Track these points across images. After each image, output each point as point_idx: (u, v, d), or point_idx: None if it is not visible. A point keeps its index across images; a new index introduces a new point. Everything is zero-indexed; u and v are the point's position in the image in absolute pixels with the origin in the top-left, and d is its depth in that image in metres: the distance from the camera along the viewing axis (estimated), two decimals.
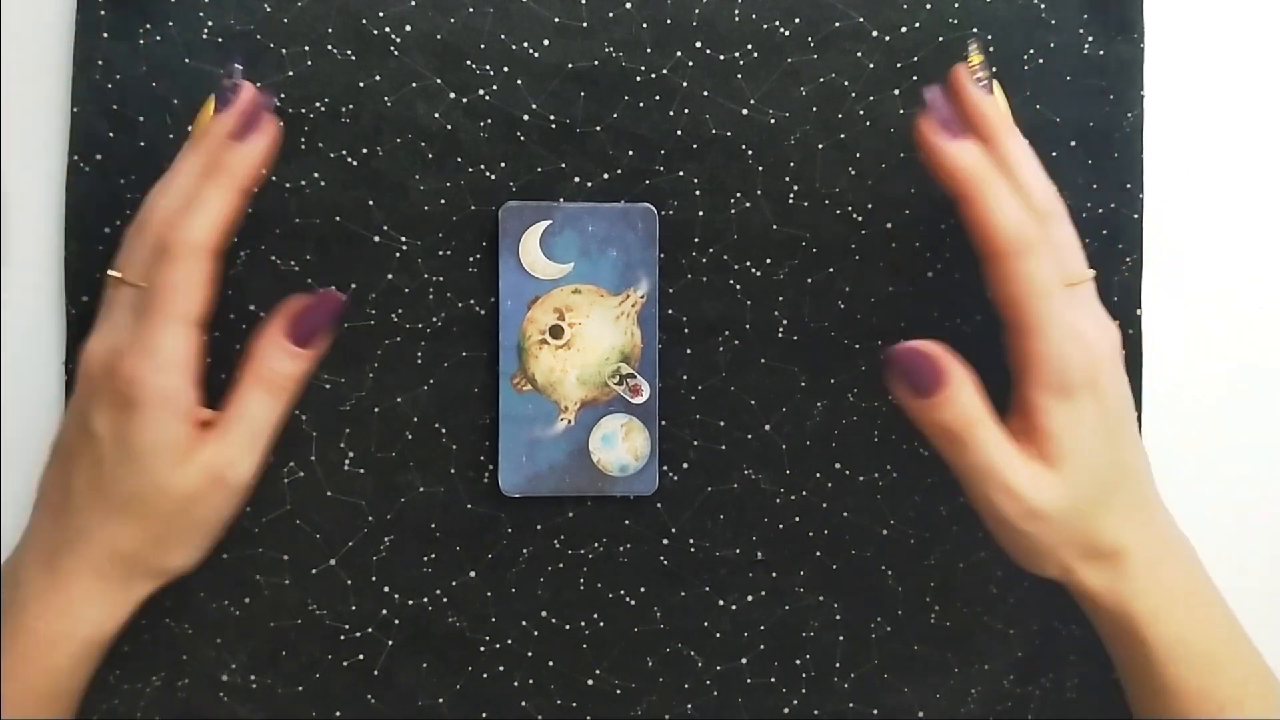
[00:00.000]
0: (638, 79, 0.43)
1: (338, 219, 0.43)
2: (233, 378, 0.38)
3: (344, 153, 0.43)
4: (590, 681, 0.44)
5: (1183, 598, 0.37)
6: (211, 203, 0.36)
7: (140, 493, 0.36)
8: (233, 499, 0.38)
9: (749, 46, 0.43)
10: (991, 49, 0.44)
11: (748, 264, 0.44)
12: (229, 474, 0.37)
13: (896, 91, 0.44)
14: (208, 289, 0.36)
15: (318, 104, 0.43)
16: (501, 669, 0.44)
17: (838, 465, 0.43)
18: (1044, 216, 0.36)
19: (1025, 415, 0.37)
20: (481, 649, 0.44)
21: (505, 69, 0.43)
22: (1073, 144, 0.44)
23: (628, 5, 0.43)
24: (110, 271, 0.37)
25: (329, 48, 0.43)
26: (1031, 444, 0.36)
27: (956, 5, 0.43)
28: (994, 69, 0.36)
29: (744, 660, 0.44)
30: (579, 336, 0.43)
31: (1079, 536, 0.37)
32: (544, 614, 0.44)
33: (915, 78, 0.44)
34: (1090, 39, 0.44)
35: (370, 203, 0.43)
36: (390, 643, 0.44)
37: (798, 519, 0.44)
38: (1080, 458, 0.36)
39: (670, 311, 0.44)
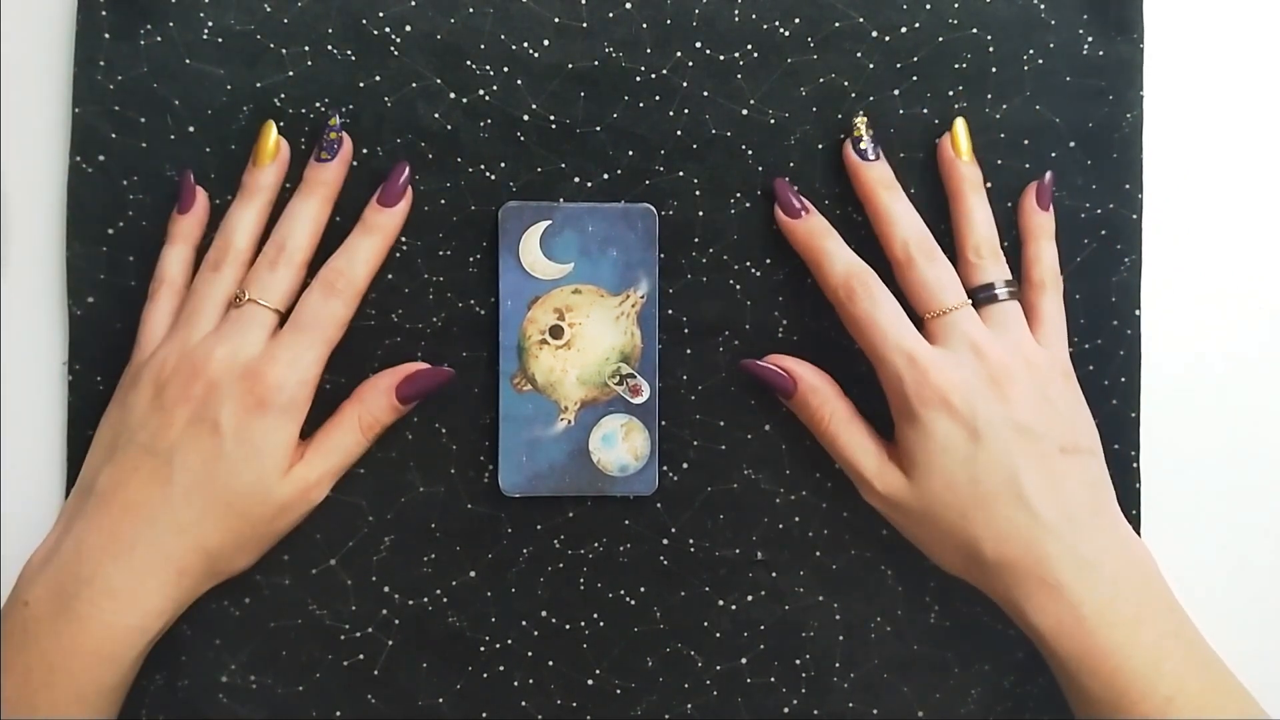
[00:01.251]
0: (638, 79, 0.43)
1: (338, 219, 0.43)
2: (332, 411, 0.42)
3: None
4: (590, 681, 0.44)
5: (1095, 619, 0.37)
6: (367, 252, 0.41)
7: (248, 492, 0.39)
8: (303, 516, 0.41)
9: (749, 46, 0.43)
10: (991, 49, 0.44)
11: (748, 264, 0.44)
12: (313, 493, 0.41)
13: (896, 91, 0.44)
14: (347, 322, 0.41)
15: (318, 104, 0.43)
16: (501, 669, 0.44)
17: (838, 465, 0.43)
18: (904, 261, 0.41)
19: (895, 436, 0.41)
20: (481, 649, 0.44)
21: (505, 69, 0.43)
22: (1072, 144, 0.44)
23: (628, 5, 0.43)
24: (243, 293, 0.40)
25: (329, 48, 0.43)
26: (896, 451, 0.41)
27: (956, 5, 0.43)
28: (873, 136, 0.43)
29: (744, 660, 0.44)
30: (579, 336, 0.43)
31: (954, 540, 0.39)
32: (544, 614, 0.44)
33: (915, 78, 0.44)
34: (1090, 39, 0.44)
35: None
36: (390, 643, 0.44)
37: (798, 519, 0.44)
38: (928, 469, 0.39)
39: (670, 311, 0.44)
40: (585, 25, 0.43)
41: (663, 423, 0.44)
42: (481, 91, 0.43)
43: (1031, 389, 0.39)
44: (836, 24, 0.43)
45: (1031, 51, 0.44)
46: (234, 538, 0.39)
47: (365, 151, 0.43)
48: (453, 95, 0.43)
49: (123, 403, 0.40)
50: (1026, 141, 0.44)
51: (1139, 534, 0.44)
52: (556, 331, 0.43)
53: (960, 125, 0.43)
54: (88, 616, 0.37)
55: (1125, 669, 0.37)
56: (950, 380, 0.39)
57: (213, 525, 0.39)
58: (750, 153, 0.44)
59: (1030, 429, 0.39)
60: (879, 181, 0.42)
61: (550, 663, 0.44)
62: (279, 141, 0.42)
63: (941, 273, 0.41)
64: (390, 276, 0.43)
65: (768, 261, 0.44)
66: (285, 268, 0.41)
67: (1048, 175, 0.43)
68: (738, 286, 0.44)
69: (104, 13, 0.42)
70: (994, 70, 0.44)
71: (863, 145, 0.42)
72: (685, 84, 0.43)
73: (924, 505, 0.39)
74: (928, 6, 0.44)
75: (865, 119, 0.43)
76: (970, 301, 0.41)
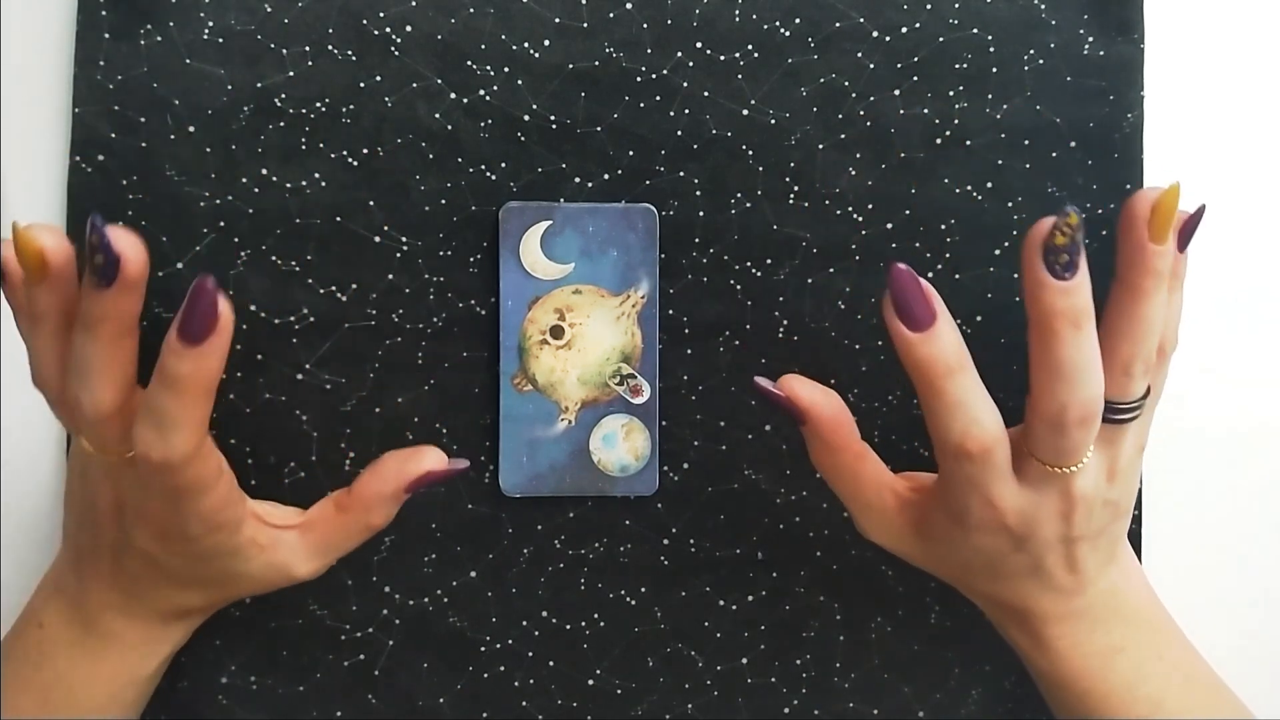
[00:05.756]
0: (638, 79, 0.43)
1: (338, 219, 0.43)
2: (330, 496, 0.38)
3: (344, 153, 0.43)
4: (591, 681, 0.44)
5: (1071, 650, 0.37)
6: (181, 419, 0.32)
7: (215, 579, 0.37)
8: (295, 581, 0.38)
9: (749, 47, 0.43)
10: (991, 49, 0.44)
11: (748, 264, 0.44)
12: (299, 573, 0.38)
13: (896, 91, 0.44)
14: (210, 463, 0.34)
15: (318, 104, 0.43)
16: (502, 669, 0.44)
17: None
18: (1052, 423, 0.33)
19: (927, 502, 0.37)
20: (482, 649, 0.44)
21: (506, 69, 0.43)
22: (1073, 144, 0.44)
23: (628, 5, 0.43)
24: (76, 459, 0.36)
25: (329, 48, 0.43)
26: (914, 508, 0.37)
27: (957, 5, 0.43)
28: (1082, 239, 0.30)
29: (744, 660, 0.44)
30: (580, 337, 0.43)
31: (951, 579, 0.39)
32: (544, 614, 0.44)
33: (915, 78, 0.44)
34: (1090, 39, 0.44)
35: (371, 203, 0.43)
36: (390, 643, 0.44)
37: (798, 519, 0.44)
38: (951, 551, 0.37)
39: (671, 312, 0.44)
40: (586, 25, 0.43)
41: (663, 423, 0.44)
42: (482, 91, 0.43)
43: (1098, 502, 0.35)
44: (837, 24, 0.43)
45: (1032, 51, 0.44)
46: (218, 601, 0.39)
47: (366, 151, 0.43)
48: (453, 95, 0.43)
49: (70, 472, 0.38)
50: (1027, 141, 0.44)
51: (1140, 532, 0.44)
52: (557, 332, 0.43)
53: (1172, 193, 0.32)
54: (99, 649, 0.37)
55: (1097, 691, 0.37)
56: (1021, 519, 0.35)
57: (192, 597, 0.38)
58: (750, 153, 0.44)
59: (1078, 538, 0.36)
60: (1067, 315, 0.31)
61: (551, 663, 0.44)
62: (42, 249, 0.31)
63: (1084, 439, 0.33)
64: (391, 277, 0.43)
65: (768, 261, 0.44)
66: (99, 427, 0.33)
67: (1201, 207, 0.34)
68: (738, 286, 0.44)
69: (104, 13, 0.42)
70: (994, 70, 0.44)
71: (1064, 258, 0.31)
72: (685, 84, 0.43)
73: (926, 561, 0.38)
74: (928, 6, 0.44)
75: (1079, 215, 0.31)
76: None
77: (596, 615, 0.44)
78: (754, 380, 0.36)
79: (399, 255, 0.43)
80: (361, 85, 0.43)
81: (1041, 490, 0.35)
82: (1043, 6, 0.44)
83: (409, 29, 0.43)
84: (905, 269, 0.32)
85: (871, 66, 0.44)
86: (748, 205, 0.44)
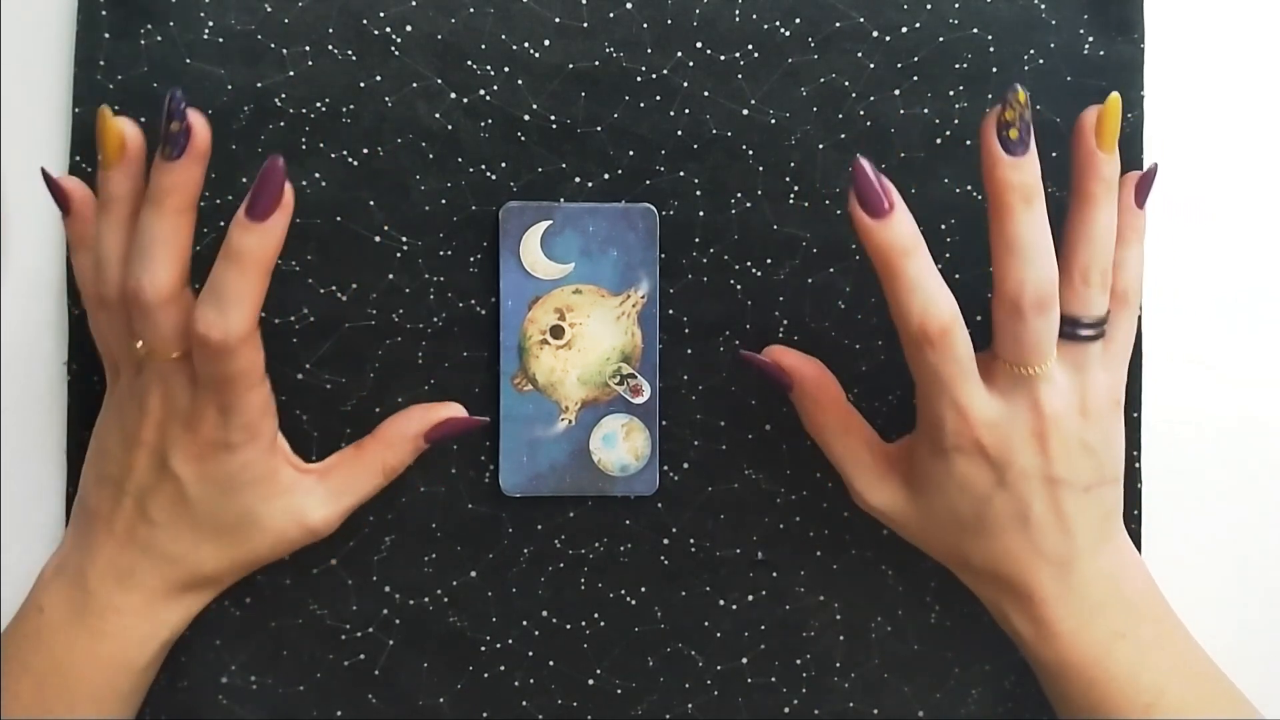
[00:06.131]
0: (638, 79, 0.43)
1: (338, 219, 0.43)
2: (351, 444, 0.41)
3: (344, 153, 0.43)
4: (591, 681, 0.44)
5: (1071, 636, 0.37)
6: (239, 290, 0.34)
7: (235, 524, 0.38)
8: (312, 541, 0.40)
9: (749, 47, 0.43)
10: (992, 49, 0.44)
11: (748, 264, 0.44)
12: (322, 532, 0.39)
13: (896, 91, 0.44)
14: (258, 357, 0.36)
15: (318, 104, 0.43)
16: (502, 669, 0.44)
17: None
18: (1012, 306, 0.35)
19: (910, 441, 0.39)
20: (482, 649, 0.44)
21: (506, 69, 0.43)
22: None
23: (628, 5, 0.43)
24: (139, 339, 0.36)
25: (330, 48, 0.43)
26: (902, 460, 0.39)
27: (956, 5, 0.44)
28: (1030, 118, 0.33)
29: (744, 660, 0.44)
30: (580, 336, 0.43)
31: (945, 548, 0.39)
32: (544, 614, 0.44)
33: (915, 78, 0.44)
34: (1090, 39, 0.44)
35: (371, 203, 0.43)
36: (390, 643, 0.44)
37: (798, 519, 0.44)
38: (936, 496, 0.38)
39: (671, 312, 0.44)
40: (586, 25, 0.43)
41: (663, 423, 0.44)
42: (482, 91, 0.43)
43: (1074, 438, 0.37)
44: (837, 24, 0.43)
45: (1032, 51, 0.44)
46: (232, 564, 0.39)
47: (366, 151, 0.43)
48: (453, 95, 0.43)
49: (99, 430, 0.39)
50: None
51: (1140, 531, 0.44)
52: (557, 331, 0.43)
53: (1114, 103, 0.35)
54: (99, 630, 0.37)
55: (1101, 679, 0.37)
56: (994, 435, 0.36)
57: (207, 553, 0.38)
58: (750, 153, 0.44)
59: (1060, 479, 0.37)
60: (1017, 190, 0.34)
61: (551, 662, 0.44)
62: (123, 134, 0.36)
63: (1045, 330, 0.35)
64: (391, 276, 0.43)
65: (768, 261, 0.44)
66: (157, 313, 0.35)
67: (1153, 165, 0.39)
68: (738, 286, 0.44)
69: (104, 13, 0.42)
70: (994, 70, 0.44)
71: (1013, 132, 0.33)
72: (686, 84, 0.43)
73: (921, 521, 0.39)
74: (928, 6, 0.44)
75: (1026, 93, 0.33)
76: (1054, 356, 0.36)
77: (596, 615, 0.44)
78: (739, 351, 0.40)
79: (399, 255, 0.43)
80: (361, 85, 0.43)
81: (1011, 399, 0.36)
82: (1043, 6, 0.44)
83: (409, 29, 0.43)
84: (866, 163, 0.34)
85: (871, 66, 0.44)
86: (748, 205, 0.44)
